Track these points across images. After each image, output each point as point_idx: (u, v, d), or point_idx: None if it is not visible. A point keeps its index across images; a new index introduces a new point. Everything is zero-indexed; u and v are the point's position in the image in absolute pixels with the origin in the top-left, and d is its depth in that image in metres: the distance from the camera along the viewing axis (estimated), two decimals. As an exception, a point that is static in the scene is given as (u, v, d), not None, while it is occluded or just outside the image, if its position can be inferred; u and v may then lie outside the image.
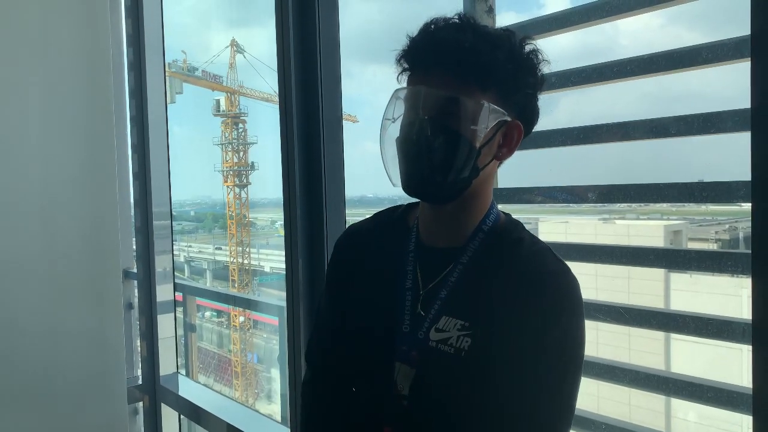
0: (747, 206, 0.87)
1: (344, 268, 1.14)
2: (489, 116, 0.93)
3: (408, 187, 0.97)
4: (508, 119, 0.95)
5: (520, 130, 0.97)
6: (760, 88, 0.83)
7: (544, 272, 0.95)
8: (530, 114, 1.00)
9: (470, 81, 0.92)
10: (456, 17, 0.96)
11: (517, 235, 1.01)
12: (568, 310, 0.94)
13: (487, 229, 1.01)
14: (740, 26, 0.84)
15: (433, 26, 0.96)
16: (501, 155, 0.98)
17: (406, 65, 0.99)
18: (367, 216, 1.20)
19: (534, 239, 1.01)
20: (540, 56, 0.97)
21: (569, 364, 0.94)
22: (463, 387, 0.94)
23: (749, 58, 0.84)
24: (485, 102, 0.93)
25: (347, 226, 1.23)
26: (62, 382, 2.16)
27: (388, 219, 1.13)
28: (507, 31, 0.97)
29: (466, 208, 1.00)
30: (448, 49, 0.92)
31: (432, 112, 0.92)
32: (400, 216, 1.11)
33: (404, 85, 1.00)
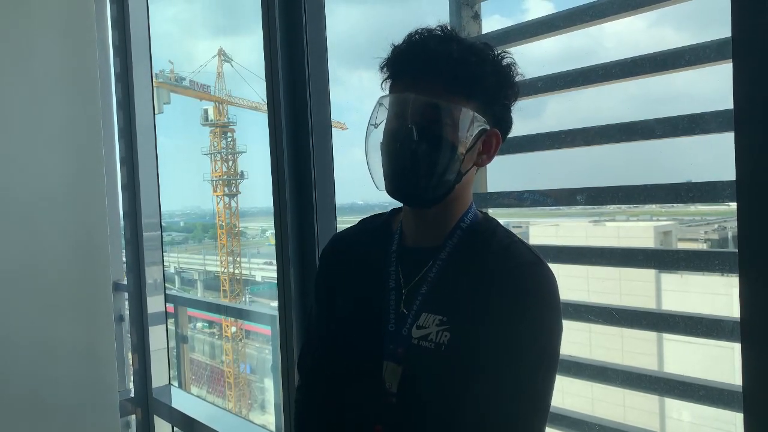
0: (735, 206, 0.88)
1: (331, 276, 1.16)
2: (473, 124, 0.97)
3: (393, 191, 1.00)
4: (488, 128, 0.99)
5: (498, 138, 1.02)
6: (742, 89, 0.84)
7: (517, 264, 0.98)
8: (506, 123, 1.04)
9: (457, 90, 0.96)
10: (439, 29, 0.99)
11: (491, 230, 1.04)
12: (540, 301, 0.96)
13: (465, 227, 1.04)
14: (728, 26, 0.85)
15: (418, 36, 0.99)
16: (481, 162, 1.03)
17: (391, 73, 1.01)
18: (355, 223, 1.21)
19: (508, 233, 1.04)
20: (516, 69, 1.01)
21: (542, 355, 0.95)
22: (446, 381, 0.95)
23: (731, 60, 0.85)
24: (470, 111, 0.96)
25: (333, 235, 1.24)
26: (53, 396, 2.14)
27: (372, 225, 1.16)
28: (486, 45, 1.01)
29: (447, 211, 1.03)
30: (438, 59, 0.95)
31: (420, 118, 0.95)
32: (384, 221, 1.14)
33: (388, 92, 1.02)
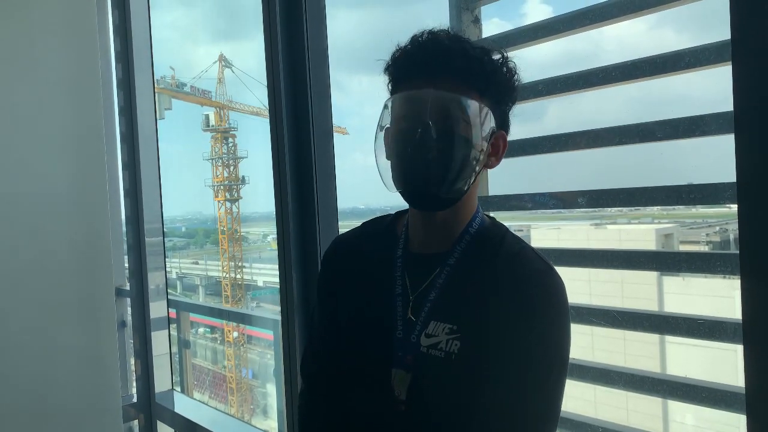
0: (736, 207, 0.88)
1: (334, 279, 1.15)
2: (488, 123, 0.95)
3: (410, 191, 0.97)
4: (496, 129, 0.98)
5: (505, 140, 1.01)
6: (742, 91, 0.84)
7: (527, 271, 0.97)
8: (508, 126, 1.03)
9: (473, 87, 0.94)
10: (443, 32, 0.98)
11: (500, 236, 1.02)
12: (550, 308, 0.95)
13: (473, 232, 1.02)
14: (727, 28, 0.85)
15: (427, 35, 0.97)
16: (490, 164, 1.01)
17: (398, 74, 0.99)
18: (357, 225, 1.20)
19: (516, 239, 1.02)
20: (518, 75, 1.00)
21: (553, 363, 0.94)
22: (456, 390, 0.95)
23: (731, 62, 0.85)
24: (486, 107, 0.94)
25: (335, 237, 1.23)
26: (56, 402, 2.14)
27: (376, 228, 1.14)
28: (494, 45, 1.01)
29: (456, 215, 1.01)
30: (455, 56, 0.94)
31: (439, 115, 0.92)
32: (389, 225, 1.12)
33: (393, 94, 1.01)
